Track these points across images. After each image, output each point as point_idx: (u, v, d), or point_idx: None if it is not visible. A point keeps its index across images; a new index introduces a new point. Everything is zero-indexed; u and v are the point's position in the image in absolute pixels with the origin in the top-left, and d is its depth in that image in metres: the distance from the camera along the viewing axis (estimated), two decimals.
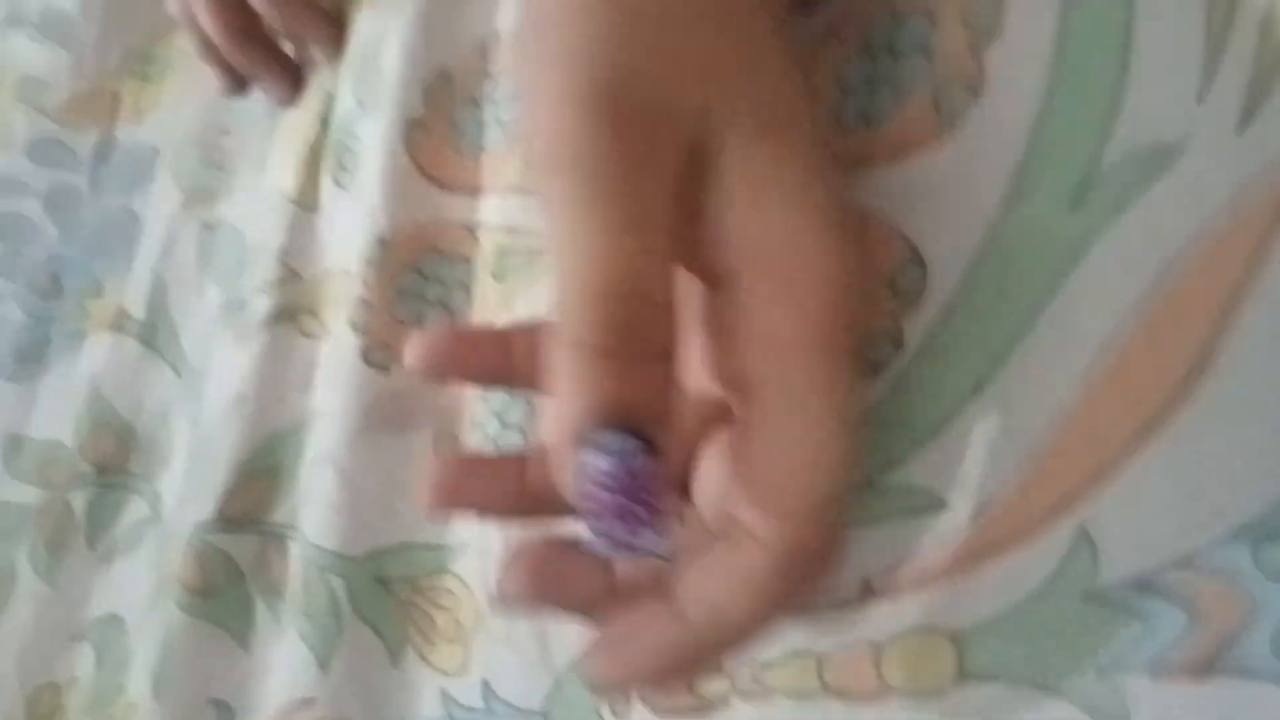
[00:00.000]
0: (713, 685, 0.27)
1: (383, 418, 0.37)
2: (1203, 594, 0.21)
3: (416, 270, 0.38)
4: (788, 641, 0.26)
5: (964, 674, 0.23)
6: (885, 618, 0.25)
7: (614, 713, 0.28)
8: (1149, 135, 0.23)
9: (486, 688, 0.32)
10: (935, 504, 0.24)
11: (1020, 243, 0.24)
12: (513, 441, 0.33)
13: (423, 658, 0.35)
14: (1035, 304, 0.23)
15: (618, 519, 0.21)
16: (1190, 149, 0.22)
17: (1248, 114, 0.22)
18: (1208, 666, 0.20)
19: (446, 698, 0.33)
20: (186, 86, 0.55)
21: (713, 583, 0.22)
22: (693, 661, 0.23)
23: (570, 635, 0.30)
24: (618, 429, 0.20)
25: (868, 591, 0.25)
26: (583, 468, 0.20)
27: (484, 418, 0.35)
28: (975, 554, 0.23)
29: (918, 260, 0.25)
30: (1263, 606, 0.20)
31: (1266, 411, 0.21)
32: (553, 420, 0.21)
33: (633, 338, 0.21)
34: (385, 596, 0.36)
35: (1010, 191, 0.24)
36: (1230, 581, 0.20)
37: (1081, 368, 0.23)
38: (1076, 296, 0.23)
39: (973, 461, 0.24)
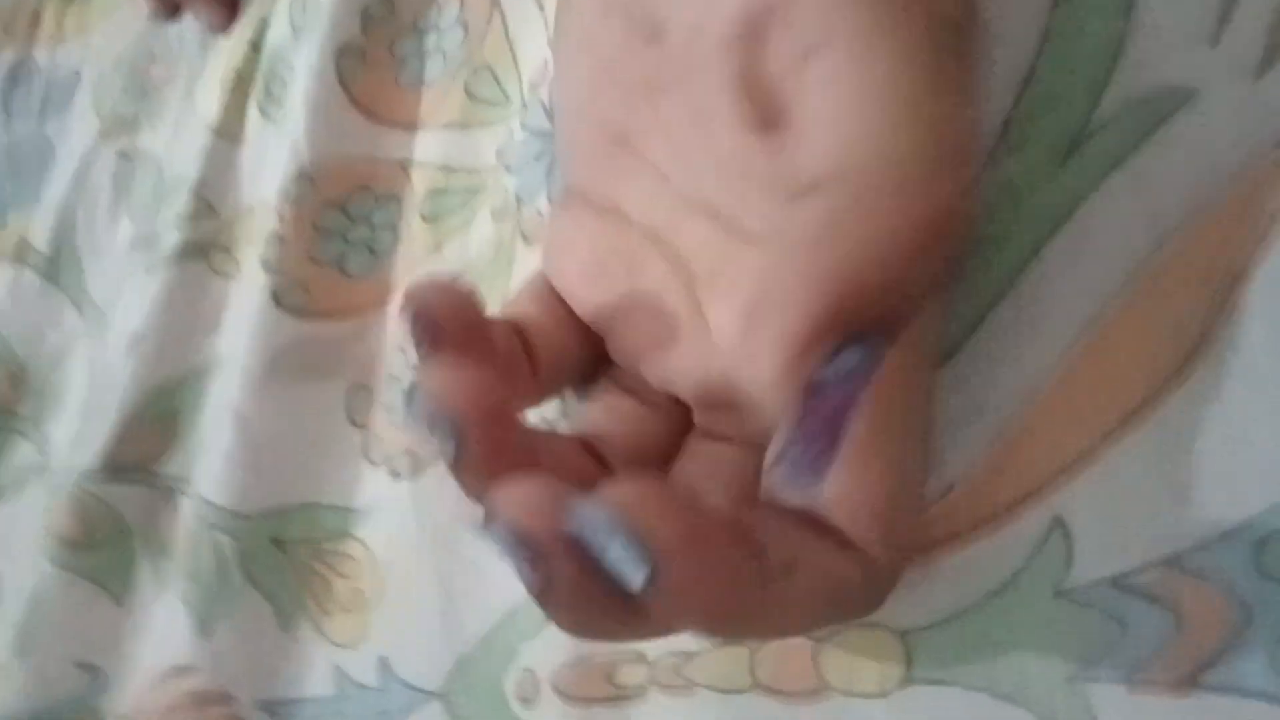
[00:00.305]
0: (632, 675, 0.24)
1: (291, 365, 0.34)
2: (1191, 597, 0.18)
3: (341, 209, 0.35)
4: None
5: (911, 676, 0.21)
6: None
7: (521, 698, 0.26)
8: (1153, 83, 0.20)
9: (383, 664, 0.30)
10: None
11: (1002, 201, 0.22)
12: None
13: (317, 628, 0.32)
14: (1013, 269, 0.21)
15: (830, 440, 0.18)
16: (1200, 99, 0.20)
17: (1268, 60, 0.19)
18: (1192, 679, 0.18)
19: (340, 673, 0.31)
20: (114, 9, 0.52)
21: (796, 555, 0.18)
22: (745, 608, 0.18)
23: (477, 611, 0.28)
24: (864, 338, 0.18)
25: None
26: (825, 371, 0.17)
27: (401, 371, 0.32)
28: (934, 542, 0.21)
29: None
30: (1259, 615, 0.18)
31: (1268, 398, 0.18)
32: (801, 306, 0.17)
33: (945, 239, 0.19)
34: (280, 559, 0.33)
35: (999, 143, 0.22)
36: (1223, 585, 0.18)
37: (1062, 342, 0.21)
38: (1060, 263, 0.21)
39: (937, 437, 0.21)
